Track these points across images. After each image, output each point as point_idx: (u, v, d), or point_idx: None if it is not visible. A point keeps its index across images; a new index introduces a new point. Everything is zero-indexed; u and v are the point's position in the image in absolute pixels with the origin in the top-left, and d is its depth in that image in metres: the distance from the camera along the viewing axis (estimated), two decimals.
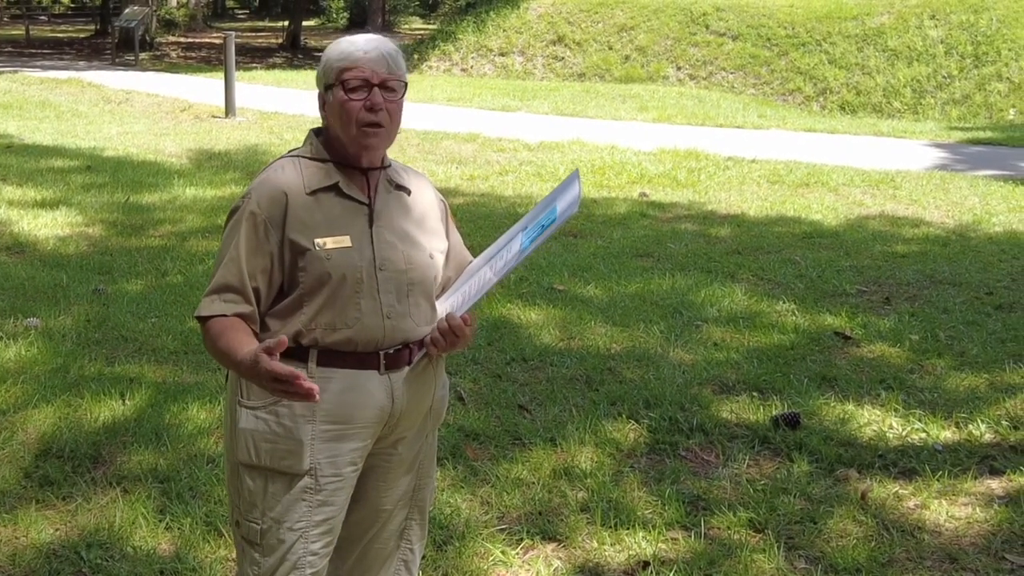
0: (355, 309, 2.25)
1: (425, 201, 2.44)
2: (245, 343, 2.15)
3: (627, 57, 21.60)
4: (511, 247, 2.40)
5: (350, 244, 2.25)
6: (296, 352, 2.25)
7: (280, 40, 35.01)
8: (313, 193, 2.26)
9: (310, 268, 2.23)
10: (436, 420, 2.50)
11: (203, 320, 2.25)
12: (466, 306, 2.37)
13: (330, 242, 2.23)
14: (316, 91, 2.36)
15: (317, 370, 2.26)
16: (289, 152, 2.38)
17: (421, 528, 2.57)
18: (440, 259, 2.40)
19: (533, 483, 3.97)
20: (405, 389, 2.34)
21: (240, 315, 2.23)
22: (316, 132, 2.37)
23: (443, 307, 2.39)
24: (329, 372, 2.26)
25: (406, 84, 2.29)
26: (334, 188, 2.28)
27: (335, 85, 2.25)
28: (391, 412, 2.33)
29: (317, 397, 2.03)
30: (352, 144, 2.27)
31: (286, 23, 36.93)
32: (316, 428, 2.26)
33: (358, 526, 2.47)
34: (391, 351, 2.30)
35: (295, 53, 31.32)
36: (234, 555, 3.38)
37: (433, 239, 2.40)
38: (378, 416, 2.32)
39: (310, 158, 2.31)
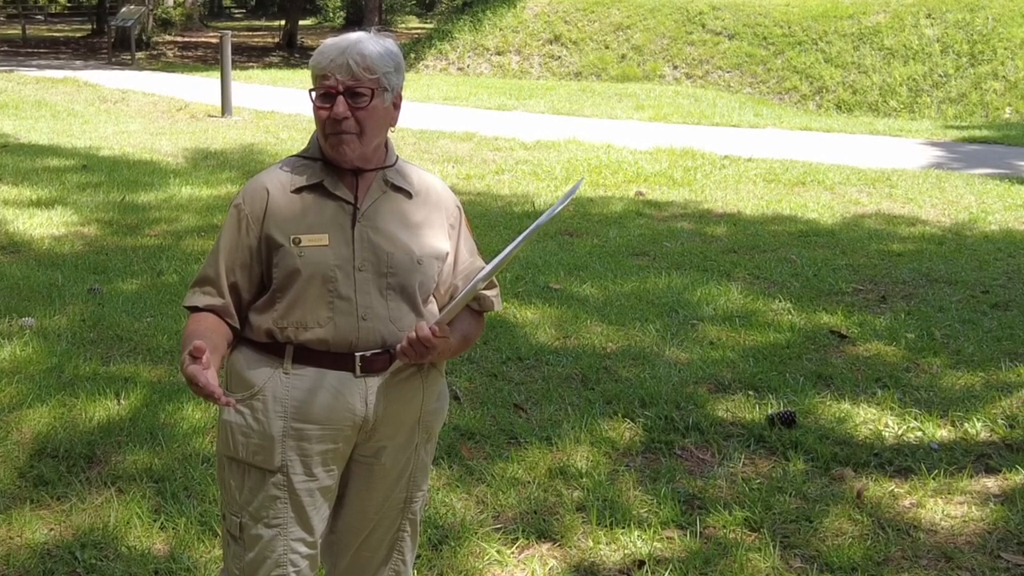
0: (327, 308, 2.24)
1: (430, 205, 2.39)
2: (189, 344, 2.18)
3: (623, 56, 21.60)
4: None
5: (326, 243, 2.24)
6: (273, 348, 2.27)
7: (276, 39, 34.99)
8: (298, 191, 2.27)
9: (282, 264, 2.24)
10: (427, 433, 2.45)
11: (187, 310, 2.34)
12: (449, 314, 2.29)
13: (306, 239, 2.24)
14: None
15: (292, 367, 2.26)
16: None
17: (412, 539, 2.55)
18: (433, 264, 2.34)
19: (529, 482, 3.96)
20: (382, 395, 2.30)
21: (212, 307, 2.29)
22: None
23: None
24: (303, 370, 2.27)
25: (376, 88, 2.22)
26: (319, 187, 2.28)
27: (313, 90, 2.26)
28: (365, 417, 2.30)
29: (223, 400, 2.08)
30: (327, 150, 2.28)
31: (282, 22, 36.93)
32: (287, 425, 2.27)
33: (345, 531, 2.47)
34: (368, 354, 2.27)
35: (291, 52, 31.30)
36: None
37: (429, 244, 2.34)
38: (350, 420, 2.29)
39: (304, 156, 2.33)
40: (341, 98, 2.21)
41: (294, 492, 2.30)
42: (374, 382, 2.29)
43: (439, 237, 2.38)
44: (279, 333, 2.26)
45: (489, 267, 2.29)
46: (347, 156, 2.25)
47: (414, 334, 2.22)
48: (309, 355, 2.26)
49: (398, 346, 2.26)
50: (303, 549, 2.35)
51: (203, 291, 2.31)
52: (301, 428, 2.27)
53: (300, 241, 2.23)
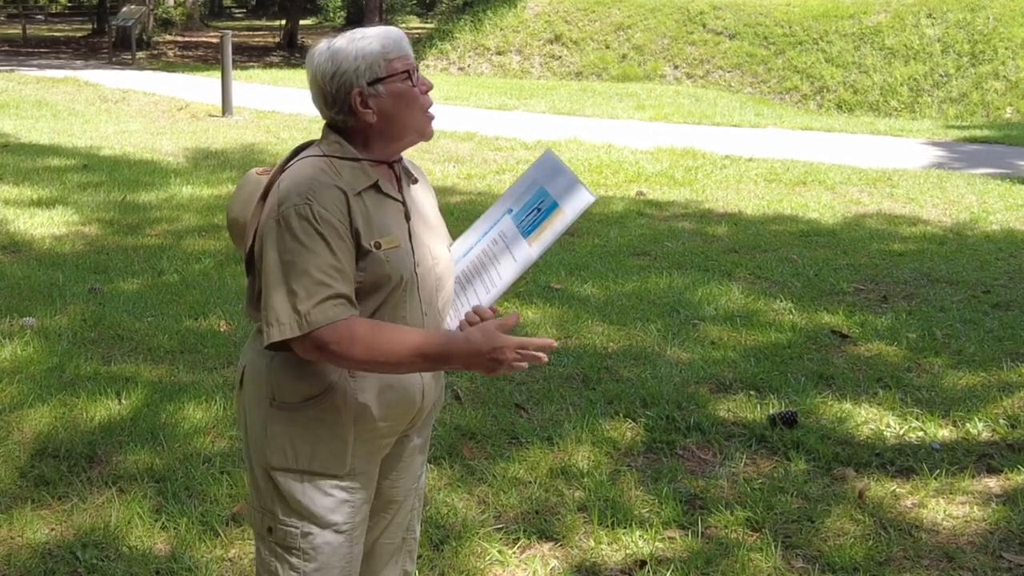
0: (402, 309, 2.22)
1: (427, 188, 2.44)
2: (416, 332, 2.12)
3: (624, 56, 21.60)
4: (506, 234, 2.34)
5: (399, 244, 2.20)
6: None
7: (277, 39, 34.99)
8: (358, 194, 2.18)
9: (370, 270, 2.16)
10: (438, 408, 2.52)
11: (310, 331, 2.05)
12: (492, 300, 2.34)
13: (384, 243, 2.18)
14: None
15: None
16: (303, 150, 2.26)
17: (419, 515, 2.59)
18: (449, 247, 2.41)
19: (530, 482, 3.96)
20: (431, 383, 2.35)
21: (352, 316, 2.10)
22: (334, 130, 2.26)
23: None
24: (369, 372, 2.21)
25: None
26: (374, 187, 2.22)
27: (388, 77, 2.18)
28: (421, 407, 2.33)
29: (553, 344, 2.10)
30: (413, 132, 2.27)
31: (283, 22, 36.95)
32: (357, 428, 2.22)
33: (370, 516, 2.45)
34: None
35: (292, 52, 31.29)
36: (230, 555, 3.38)
37: (444, 228, 2.41)
38: (412, 413, 2.32)
39: (340, 157, 2.21)
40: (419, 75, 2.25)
41: (361, 492, 2.28)
42: (427, 373, 2.31)
43: (442, 219, 2.45)
44: None
45: (536, 253, 2.31)
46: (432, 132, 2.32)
47: (478, 319, 2.25)
48: None
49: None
50: (360, 550, 2.34)
51: (336, 304, 2.07)
52: (369, 428, 2.24)
53: (380, 246, 2.17)
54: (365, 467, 2.28)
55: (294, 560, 2.26)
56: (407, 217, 2.26)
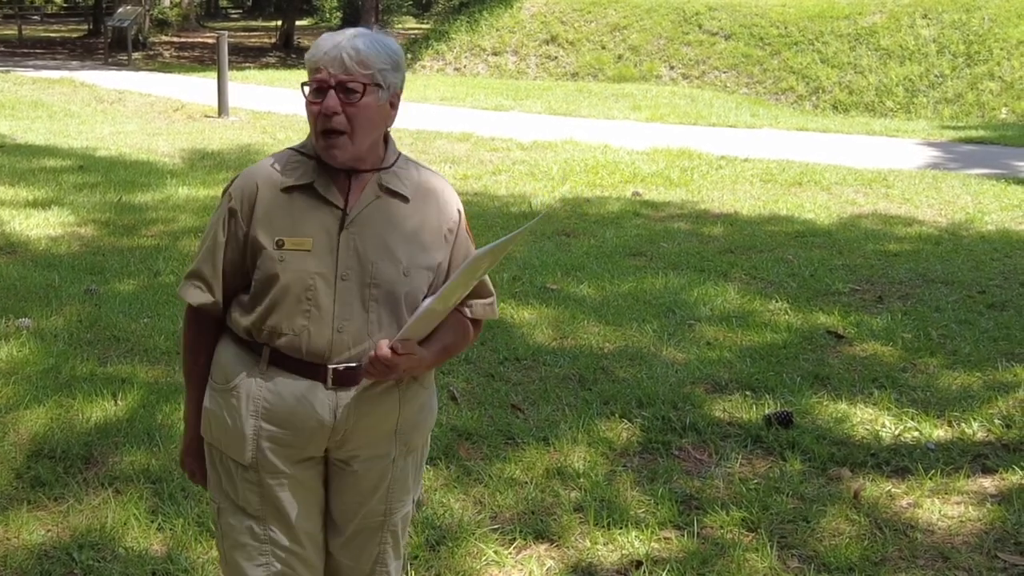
0: (303, 316, 2.16)
1: (427, 210, 2.26)
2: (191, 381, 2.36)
3: (620, 56, 21.61)
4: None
5: (309, 248, 2.16)
6: (252, 346, 2.24)
7: (273, 40, 34.99)
8: (288, 190, 2.19)
9: (262, 268, 2.17)
10: (404, 446, 2.34)
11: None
12: (412, 332, 2.16)
13: (289, 242, 2.16)
14: None
15: (268, 369, 2.22)
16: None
17: (395, 551, 2.45)
18: (422, 275, 2.23)
19: (526, 483, 3.96)
20: (353, 409, 2.22)
21: (204, 306, 2.28)
22: None
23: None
24: (277, 374, 2.21)
25: (369, 84, 2.13)
26: (309, 188, 2.19)
27: (306, 84, 2.18)
28: (333, 428, 2.22)
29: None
30: (318, 149, 2.18)
31: (279, 23, 36.94)
32: (258, 425, 2.23)
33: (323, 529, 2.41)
34: (341, 368, 2.19)
35: (288, 53, 31.28)
36: None
37: (420, 254, 2.23)
38: (318, 429, 2.22)
39: (301, 152, 2.24)
40: (332, 92, 2.11)
41: (267, 488, 2.26)
42: (345, 395, 2.21)
43: (432, 246, 2.25)
44: (256, 335, 2.21)
45: (440, 292, 2.15)
46: (337, 157, 2.16)
47: (373, 353, 2.13)
48: (284, 360, 2.20)
49: (363, 364, 2.18)
50: (285, 542, 2.29)
51: (196, 285, 2.28)
52: (270, 430, 2.23)
53: (283, 244, 2.15)
54: (272, 468, 2.25)
55: (217, 531, 2.34)
56: (341, 226, 2.18)
